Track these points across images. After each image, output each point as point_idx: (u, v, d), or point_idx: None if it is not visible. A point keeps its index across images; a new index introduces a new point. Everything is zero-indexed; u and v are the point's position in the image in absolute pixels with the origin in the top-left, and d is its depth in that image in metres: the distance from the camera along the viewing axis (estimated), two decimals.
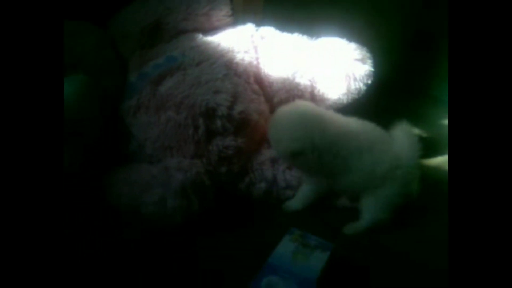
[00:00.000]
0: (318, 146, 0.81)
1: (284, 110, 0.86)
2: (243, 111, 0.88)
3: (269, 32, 1.02)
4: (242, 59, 0.94)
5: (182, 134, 0.86)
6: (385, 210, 0.84)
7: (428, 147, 1.26)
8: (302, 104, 0.88)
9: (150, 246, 0.78)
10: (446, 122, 1.48)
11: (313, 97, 1.01)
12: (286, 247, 0.70)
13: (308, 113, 0.84)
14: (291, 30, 1.03)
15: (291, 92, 0.98)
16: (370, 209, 0.85)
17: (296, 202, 0.90)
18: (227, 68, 0.91)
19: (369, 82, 0.98)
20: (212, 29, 1.01)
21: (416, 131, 1.36)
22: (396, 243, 0.86)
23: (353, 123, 0.87)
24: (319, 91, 0.99)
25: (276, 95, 0.98)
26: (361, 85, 0.97)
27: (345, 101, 0.98)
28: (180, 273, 0.74)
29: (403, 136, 0.85)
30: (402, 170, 0.83)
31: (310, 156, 0.81)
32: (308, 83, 0.99)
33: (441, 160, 1.22)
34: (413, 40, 1.66)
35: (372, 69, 0.98)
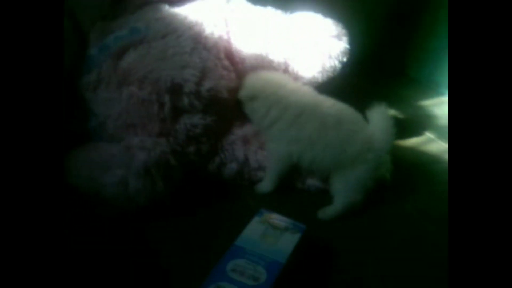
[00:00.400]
0: (270, 101, 0.82)
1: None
2: (212, 87, 0.83)
3: (240, 5, 0.96)
4: (212, 33, 0.89)
5: (146, 111, 0.81)
6: (357, 192, 0.82)
7: (404, 128, 1.28)
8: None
9: (114, 227, 0.74)
10: (422, 103, 1.47)
11: (287, 73, 0.97)
12: (254, 229, 0.67)
13: (274, 74, 0.86)
14: (264, 3, 0.97)
15: (264, 69, 0.93)
16: (342, 191, 0.83)
17: (266, 183, 0.87)
18: (195, 42, 0.85)
19: (345, 60, 0.95)
20: (180, 0, 0.94)
21: (392, 113, 1.35)
22: (369, 224, 0.84)
23: (320, 98, 0.85)
24: (293, 69, 0.95)
25: (248, 72, 0.93)
26: (337, 63, 0.93)
27: (319, 79, 0.95)
28: (144, 257, 0.70)
29: (378, 118, 0.82)
30: (373, 154, 0.80)
31: (261, 106, 0.82)
32: (282, 60, 0.94)
33: (417, 141, 1.21)
34: (389, 18, 1.64)
35: (348, 46, 0.94)
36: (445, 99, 1.51)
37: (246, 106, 0.86)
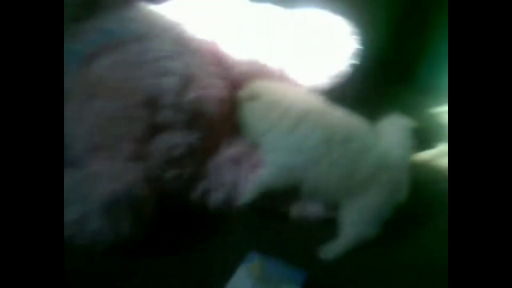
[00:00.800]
0: (271, 101, 0.71)
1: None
2: (197, 98, 0.70)
3: (233, 1, 0.83)
4: (196, 34, 0.76)
5: (118, 129, 0.68)
6: (371, 224, 0.68)
7: (417, 140, 1.15)
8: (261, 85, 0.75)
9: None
10: (433, 111, 1.35)
11: (286, 81, 0.83)
12: (241, 282, 0.54)
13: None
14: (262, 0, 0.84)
15: (259, 75, 0.80)
16: (352, 222, 0.69)
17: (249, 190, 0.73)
18: (176, 44, 0.72)
19: (354, 63, 0.81)
20: None
21: (410, 123, 1.23)
22: (385, 263, 0.70)
23: (327, 106, 0.72)
24: (295, 73, 0.82)
25: (240, 79, 0.80)
26: (345, 66, 0.80)
27: (325, 85, 0.82)
28: None
29: (393, 130, 0.70)
30: (388, 174, 0.67)
31: (260, 106, 0.71)
32: (280, 64, 0.81)
33: (432, 155, 1.08)
34: (400, 20, 1.51)
35: (357, 47, 0.81)
36: None
37: (244, 108, 0.74)
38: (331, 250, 0.69)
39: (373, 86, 1.30)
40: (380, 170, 0.67)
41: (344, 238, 0.69)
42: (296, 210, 0.76)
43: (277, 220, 0.75)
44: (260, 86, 0.75)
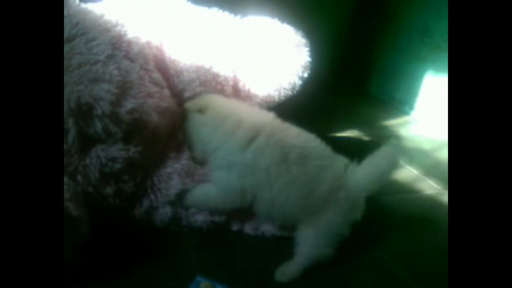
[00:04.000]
0: (223, 114, 0.66)
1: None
2: (136, 108, 0.63)
3: (178, 4, 0.78)
4: (137, 37, 0.69)
5: None
6: (328, 243, 0.64)
7: (369, 152, 1.15)
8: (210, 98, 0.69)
9: None
10: (386, 123, 1.37)
11: (237, 92, 0.79)
12: None
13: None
14: (208, 4, 0.80)
15: (208, 84, 0.75)
16: (308, 242, 0.65)
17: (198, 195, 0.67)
18: (113, 48, 0.65)
19: (306, 75, 0.78)
20: None
21: (356, 134, 1.22)
22: (338, 276, 0.66)
23: (282, 124, 0.67)
24: (244, 85, 0.78)
25: (187, 88, 0.75)
26: (297, 79, 0.77)
27: (276, 98, 0.78)
28: None
29: (385, 161, 0.66)
30: (346, 193, 0.64)
31: (211, 119, 0.66)
32: (230, 73, 0.77)
33: None
34: (349, 31, 1.53)
35: (309, 59, 0.78)
36: (409, 118, 1.42)
37: (192, 120, 0.68)
38: (286, 272, 0.64)
39: (326, 97, 1.30)
40: (337, 189, 0.64)
41: (300, 258, 0.64)
42: (249, 227, 0.71)
43: (228, 237, 0.69)
44: (209, 99, 0.69)
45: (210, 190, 0.66)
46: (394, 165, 0.67)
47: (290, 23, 0.81)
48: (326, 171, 0.64)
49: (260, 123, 0.65)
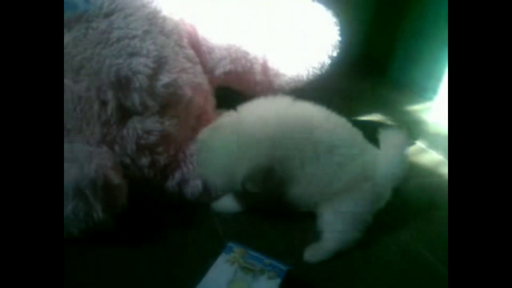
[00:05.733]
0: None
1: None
2: (171, 83, 0.65)
3: None
4: (171, 13, 0.70)
5: (84, 111, 0.62)
6: (352, 229, 0.65)
7: None
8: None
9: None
10: (409, 108, 1.36)
11: (266, 71, 0.80)
12: (220, 271, 0.51)
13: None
14: None
15: (238, 62, 0.77)
16: (333, 225, 0.65)
17: (227, 202, 0.70)
18: (149, 23, 0.67)
19: (335, 55, 0.79)
20: None
21: (379, 118, 1.22)
22: (363, 259, 0.67)
23: (316, 114, 0.66)
24: (273, 63, 0.79)
25: (218, 65, 0.76)
26: (326, 58, 0.77)
27: (305, 78, 0.79)
28: None
29: (388, 145, 0.65)
30: (371, 184, 0.64)
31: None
32: (260, 52, 0.78)
33: (409, 150, 1.08)
34: (374, 18, 1.52)
35: (339, 38, 0.78)
36: (432, 104, 1.41)
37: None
38: (315, 253, 0.65)
39: (348, 79, 1.30)
40: (363, 180, 0.64)
41: (328, 241, 0.65)
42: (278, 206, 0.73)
43: (255, 212, 0.71)
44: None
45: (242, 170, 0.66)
46: (404, 148, 0.65)
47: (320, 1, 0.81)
48: (352, 162, 0.63)
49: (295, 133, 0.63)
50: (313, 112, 0.66)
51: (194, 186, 0.70)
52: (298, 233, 0.69)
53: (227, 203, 0.71)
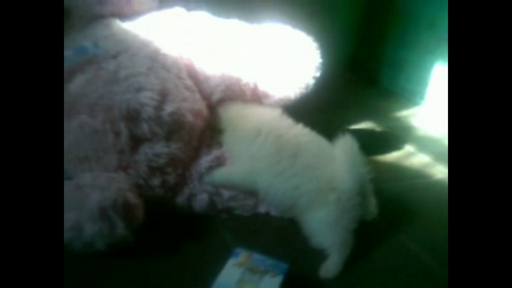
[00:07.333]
0: None
1: None
2: (175, 111, 0.74)
3: (201, 17, 0.89)
4: (170, 50, 0.80)
5: (100, 142, 0.71)
6: (338, 233, 0.70)
7: (383, 142, 1.23)
8: None
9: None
10: (398, 114, 1.44)
11: (256, 93, 0.89)
12: (230, 274, 0.58)
13: None
14: (227, 15, 0.90)
15: (232, 88, 0.85)
16: (323, 239, 0.70)
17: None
18: (151, 61, 0.77)
19: (318, 75, 0.88)
20: (132, 14, 0.86)
21: (369, 126, 1.30)
22: (359, 259, 0.73)
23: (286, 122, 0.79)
24: (263, 87, 0.88)
25: (214, 91, 0.85)
26: (310, 78, 0.86)
27: (292, 97, 0.87)
28: None
29: (342, 153, 0.70)
30: (336, 196, 0.69)
31: None
32: (250, 78, 0.87)
33: (397, 156, 1.15)
34: (359, 28, 1.61)
35: (320, 60, 0.87)
36: (420, 108, 1.49)
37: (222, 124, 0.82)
38: (328, 270, 0.69)
39: (340, 91, 1.37)
40: (327, 191, 0.69)
41: (331, 256, 0.69)
42: (275, 210, 0.81)
43: (255, 221, 0.79)
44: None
45: (230, 169, 0.78)
46: (354, 155, 0.68)
47: (304, 22, 0.90)
48: (315, 171, 0.70)
49: (263, 122, 0.77)
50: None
51: (201, 200, 0.78)
52: (297, 237, 0.75)
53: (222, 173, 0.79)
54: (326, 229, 0.70)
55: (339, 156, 0.70)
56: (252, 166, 0.76)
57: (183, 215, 0.78)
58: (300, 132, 0.77)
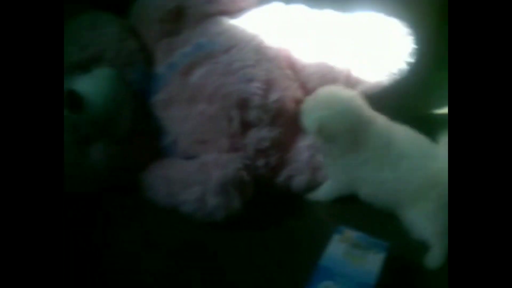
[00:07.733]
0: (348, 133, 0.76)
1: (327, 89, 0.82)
2: (278, 99, 0.83)
3: (298, 10, 0.94)
4: (272, 43, 0.88)
5: (216, 127, 0.82)
6: (437, 226, 0.71)
7: None
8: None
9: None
10: None
11: (349, 80, 0.94)
12: (336, 248, 0.64)
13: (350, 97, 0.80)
14: (321, 6, 0.94)
15: (327, 75, 0.91)
16: (425, 232, 0.73)
17: (320, 193, 0.84)
18: (257, 54, 0.85)
19: (412, 61, 0.90)
20: (237, 11, 0.94)
21: None
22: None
23: (396, 128, 0.79)
24: (356, 73, 0.92)
25: (309, 80, 0.91)
26: (404, 64, 0.89)
27: (386, 83, 0.91)
28: (210, 274, 0.70)
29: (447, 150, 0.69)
30: (438, 191, 0.70)
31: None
32: (344, 64, 0.91)
33: None
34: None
35: (414, 46, 0.90)
36: None
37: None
38: (433, 260, 0.71)
39: (429, 82, 1.35)
40: (429, 188, 0.72)
41: (433, 248, 0.72)
42: None
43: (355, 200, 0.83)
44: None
45: (327, 186, 0.84)
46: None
47: (394, 15, 0.92)
48: (419, 171, 0.73)
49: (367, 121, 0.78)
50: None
51: (299, 181, 0.86)
52: (390, 220, 0.78)
53: (321, 192, 0.85)
54: (427, 222, 0.73)
55: (443, 153, 0.71)
56: (354, 178, 0.79)
57: (282, 194, 0.86)
58: (403, 131, 0.78)
